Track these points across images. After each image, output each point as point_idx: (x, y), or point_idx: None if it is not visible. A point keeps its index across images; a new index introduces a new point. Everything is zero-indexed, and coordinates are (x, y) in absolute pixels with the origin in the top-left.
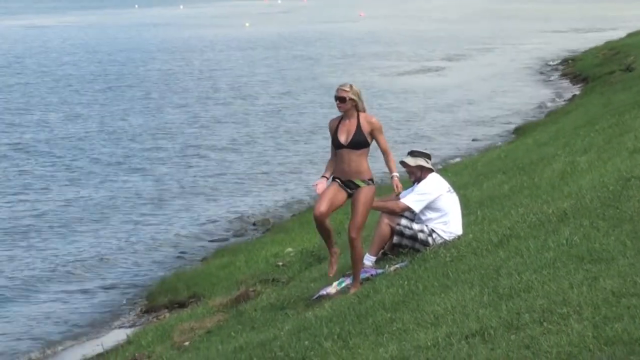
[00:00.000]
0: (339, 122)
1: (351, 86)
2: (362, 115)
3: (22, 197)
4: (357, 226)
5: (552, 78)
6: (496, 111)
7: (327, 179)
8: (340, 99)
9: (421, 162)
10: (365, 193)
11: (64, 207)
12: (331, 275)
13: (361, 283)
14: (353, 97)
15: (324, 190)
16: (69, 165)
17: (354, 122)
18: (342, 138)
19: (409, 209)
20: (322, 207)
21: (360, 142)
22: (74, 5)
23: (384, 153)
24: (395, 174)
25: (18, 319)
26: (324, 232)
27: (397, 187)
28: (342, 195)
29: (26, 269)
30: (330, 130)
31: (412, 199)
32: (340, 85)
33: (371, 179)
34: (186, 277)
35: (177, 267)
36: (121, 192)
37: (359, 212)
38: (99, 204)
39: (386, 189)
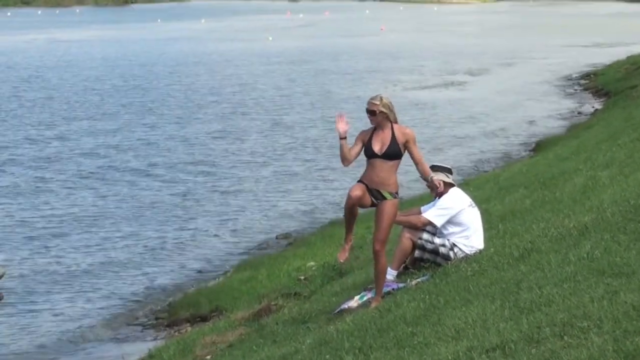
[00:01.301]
0: (373, 132)
1: (381, 98)
2: (395, 126)
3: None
4: (381, 239)
5: (574, 92)
6: (518, 125)
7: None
8: (370, 112)
9: (442, 176)
10: (390, 205)
11: (88, 217)
12: (342, 260)
13: (383, 297)
14: (383, 109)
15: (355, 184)
16: (95, 175)
17: (388, 132)
18: (377, 147)
19: (430, 223)
20: (358, 190)
21: (394, 153)
22: (96, 19)
23: (417, 163)
24: (432, 175)
25: (36, 332)
26: (352, 216)
27: (439, 184)
28: (368, 198)
29: (48, 277)
30: (362, 141)
31: (434, 213)
32: (371, 99)
33: (397, 193)
34: (208, 291)
35: (200, 281)
36: (145, 205)
37: (384, 224)
38: (124, 217)
39: (407, 204)
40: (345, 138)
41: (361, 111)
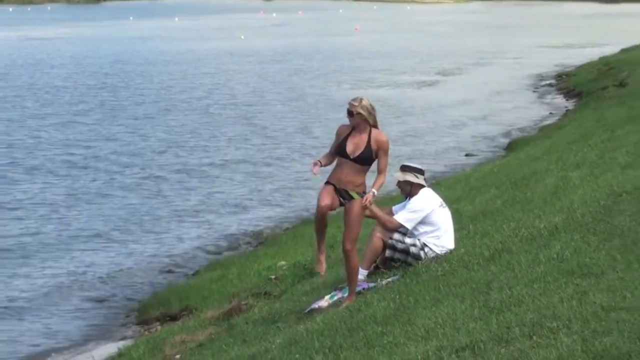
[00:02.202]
0: (351, 132)
1: (361, 100)
2: (374, 131)
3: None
4: (351, 238)
5: (546, 92)
6: (490, 125)
7: (321, 164)
8: (349, 113)
9: (409, 177)
10: (358, 205)
11: (55, 215)
12: (322, 272)
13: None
14: (361, 111)
15: (323, 188)
16: (64, 171)
17: (364, 137)
18: (350, 149)
19: (401, 226)
20: (326, 199)
21: (366, 158)
22: (67, 17)
23: (379, 172)
24: (374, 190)
25: (8, 333)
26: (322, 226)
27: (366, 199)
28: (337, 199)
29: (16, 284)
30: (338, 136)
31: (404, 217)
32: (352, 99)
33: (364, 192)
34: (178, 290)
35: (170, 280)
36: (114, 205)
37: (353, 223)
38: (94, 215)
39: (380, 203)
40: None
41: (334, 111)
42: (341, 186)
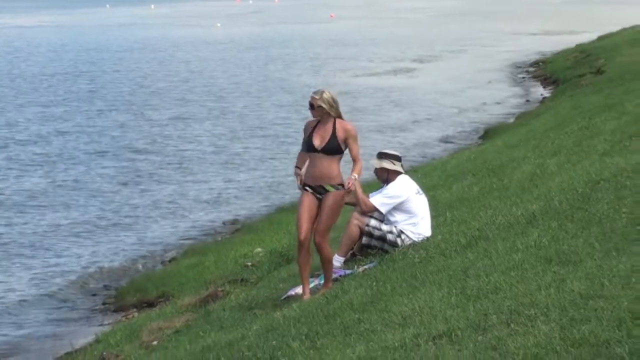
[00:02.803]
0: (316, 126)
1: (322, 93)
2: (338, 121)
3: None
4: (321, 230)
5: (523, 80)
6: (466, 113)
7: (300, 169)
8: (310, 105)
9: (385, 164)
10: (333, 197)
11: (36, 201)
12: (306, 297)
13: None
14: (322, 104)
15: (301, 204)
16: (44, 160)
17: (329, 128)
18: (317, 142)
19: (376, 209)
20: (305, 224)
21: (333, 149)
22: (44, 4)
23: (354, 161)
24: (355, 175)
25: None
26: (306, 258)
27: (348, 182)
28: (315, 203)
29: None
30: (305, 132)
31: (379, 200)
32: (313, 92)
33: (341, 184)
34: (155, 277)
35: (147, 267)
36: (92, 190)
37: (325, 216)
38: (71, 200)
39: (369, 188)
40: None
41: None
42: (316, 183)
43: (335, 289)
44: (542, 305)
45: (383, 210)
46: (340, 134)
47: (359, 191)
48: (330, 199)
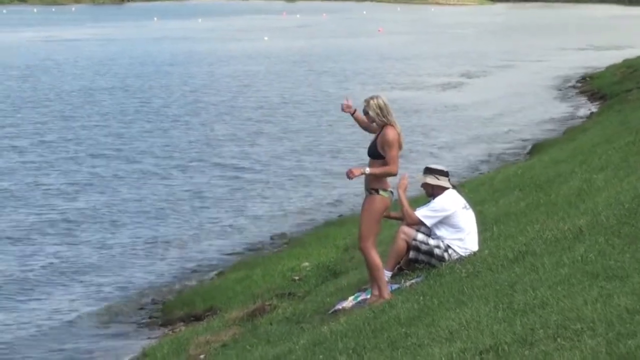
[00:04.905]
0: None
1: (370, 100)
2: (385, 127)
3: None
4: (360, 235)
5: (570, 95)
6: (514, 128)
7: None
8: (364, 112)
9: (429, 179)
10: (367, 202)
11: (84, 217)
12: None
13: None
14: (368, 110)
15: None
16: (91, 176)
17: (378, 133)
18: (369, 145)
19: (421, 222)
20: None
21: (372, 153)
22: (91, 17)
23: (385, 164)
24: (368, 169)
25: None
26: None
27: (350, 170)
28: None
29: (41, 274)
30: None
31: (424, 213)
32: (365, 99)
33: (375, 189)
34: (203, 291)
35: (194, 281)
36: (141, 205)
37: (362, 220)
38: (120, 216)
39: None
40: (354, 112)
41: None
42: (365, 186)
43: (382, 303)
44: (588, 320)
45: (428, 222)
46: (380, 140)
47: (405, 203)
48: (365, 204)
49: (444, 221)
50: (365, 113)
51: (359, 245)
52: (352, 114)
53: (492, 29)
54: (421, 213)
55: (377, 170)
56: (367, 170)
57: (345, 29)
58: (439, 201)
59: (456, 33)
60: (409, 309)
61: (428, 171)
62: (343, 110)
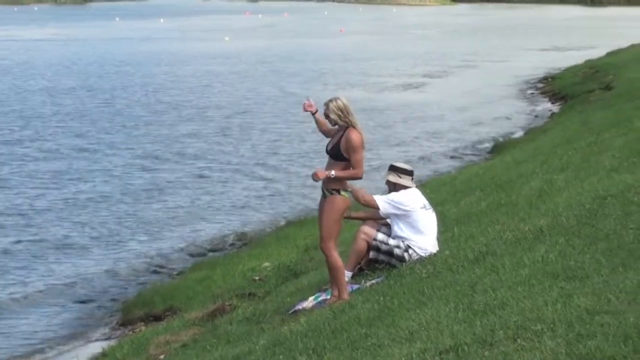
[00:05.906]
0: (337, 131)
1: (330, 102)
2: (349, 130)
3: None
4: (321, 236)
5: (531, 95)
6: (475, 128)
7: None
8: (325, 115)
9: (391, 177)
10: (328, 203)
11: (41, 212)
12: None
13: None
14: (329, 113)
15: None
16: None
17: (340, 134)
18: (329, 145)
19: (374, 205)
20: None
21: (335, 154)
22: (54, 17)
23: (352, 167)
24: (333, 172)
25: None
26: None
27: (316, 173)
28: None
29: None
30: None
31: (382, 199)
32: (325, 101)
33: (336, 190)
34: (163, 291)
35: (154, 281)
36: (100, 204)
37: (321, 222)
38: (79, 214)
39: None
40: (316, 112)
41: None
42: (323, 186)
43: (342, 304)
44: (548, 321)
45: (382, 207)
46: (343, 143)
47: (356, 187)
48: (324, 205)
49: (403, 219)
50: (327, 116)
51: (320, 246)
52: (314, 114)
53: (454, 29)
54: (379, 199)
55: (344, 173)
56: (333, 173)
57: (307, 29)
58: (398, 195)
59: (418, 33)
60: (369, 309)
61: (392, 169)
62: (305, 109)
